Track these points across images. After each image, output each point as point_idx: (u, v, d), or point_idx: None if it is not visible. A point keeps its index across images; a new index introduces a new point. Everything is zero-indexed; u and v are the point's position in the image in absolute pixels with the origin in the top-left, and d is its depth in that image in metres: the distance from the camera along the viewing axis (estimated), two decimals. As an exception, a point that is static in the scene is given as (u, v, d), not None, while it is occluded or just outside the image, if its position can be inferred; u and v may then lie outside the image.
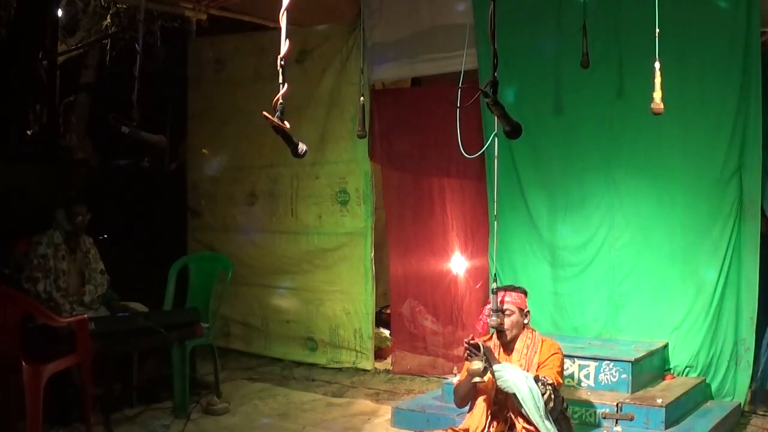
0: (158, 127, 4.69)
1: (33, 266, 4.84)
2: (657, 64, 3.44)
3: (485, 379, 3.56)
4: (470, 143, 4.66)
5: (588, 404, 4.38)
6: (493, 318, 3.69)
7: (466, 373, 3.60)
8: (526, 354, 3.71)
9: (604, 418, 4.25)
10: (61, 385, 4.37)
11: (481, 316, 3.92)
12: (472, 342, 3.55)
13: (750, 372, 4.80)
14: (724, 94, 4.75)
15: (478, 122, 5.50)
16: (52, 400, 4.18)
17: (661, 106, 3.46)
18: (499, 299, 3.74)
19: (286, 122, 2.52)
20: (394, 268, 6.30)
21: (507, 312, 3.74)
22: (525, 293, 3.85)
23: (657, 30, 3.54)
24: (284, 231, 6.77)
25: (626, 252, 5.17)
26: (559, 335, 4.99)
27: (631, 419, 4.16)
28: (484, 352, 3.52)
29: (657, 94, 3.43)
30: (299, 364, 6.55)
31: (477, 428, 3.65)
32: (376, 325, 6.41)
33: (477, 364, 3.49)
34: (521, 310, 3.77)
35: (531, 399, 3.45)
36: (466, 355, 3.55)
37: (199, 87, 7.38)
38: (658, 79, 3.42)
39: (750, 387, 4.83)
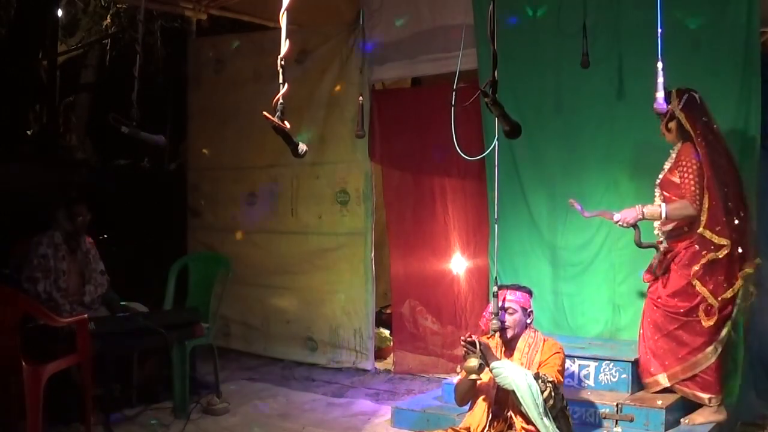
0: (158, 127, 4.70)
1: (33, 266, 4.83)
2: (660, 64, 3.44)
3: (482, 376, 3.56)
4: (471, 143, 4.67)
5: (588, 404, 4.37)
6: (494, 321, 3.67)
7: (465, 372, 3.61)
8: (528, 353, 3.71)
9: (604, 418, 4.25)
10: (61, 385, 4.37)
11: (484, 313, 3.92)
12: (468, 339, 3.55)
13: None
14: (723, 94, 4.73)
15: (479, 122, 5.49)
16: (52, 400, 4.18)
17: (665, 106, 3.47)
18: (502, 297, 3.74)
19: (286, 122, 2.53)
20: (395, 268, 6.29)
21: (509, 310, 3.74)
22: (530, 293, 3.84)
23: (659, 30, 3.54)
24: (284, 231, 6.77)
25: (627, 252, 5.15)
26: (560, 335, 4.98)
27: (631, 420, 4.15)
28: (480, 349, 3.52)
29: (660, 94, 3.43)
30: (299, 364, 6.54)
31: (478, 426, 3.65)
32: (376, 325, 6.41)
33: (472, 361, 3.49)
34: (524, 309, 3.77)
35: (530, 396, 3.45)
36: (463, 352, 3.56)
37: (199, 87, 7.37)
38: (660, 79, 3.42)
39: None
